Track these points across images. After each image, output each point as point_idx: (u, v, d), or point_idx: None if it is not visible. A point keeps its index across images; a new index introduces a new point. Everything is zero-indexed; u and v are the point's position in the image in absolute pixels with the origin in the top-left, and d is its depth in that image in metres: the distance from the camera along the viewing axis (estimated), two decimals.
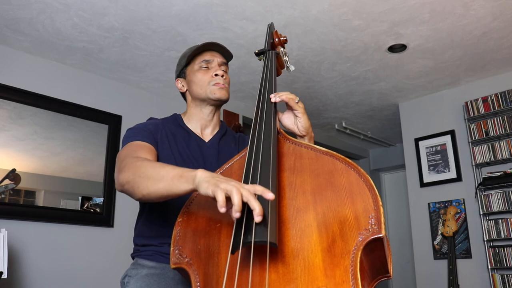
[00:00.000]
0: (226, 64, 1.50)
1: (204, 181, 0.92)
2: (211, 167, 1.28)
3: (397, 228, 5.78)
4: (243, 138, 1.55)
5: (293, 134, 1.32)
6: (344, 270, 0.85)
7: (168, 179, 1.01)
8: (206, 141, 1.45)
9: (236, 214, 0.86)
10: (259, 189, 0.87)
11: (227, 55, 1.52)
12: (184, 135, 1.43)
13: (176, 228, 1.07)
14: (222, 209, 0.86)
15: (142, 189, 1.07)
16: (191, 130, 1.45)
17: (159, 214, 1.33)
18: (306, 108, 4.40)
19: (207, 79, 1.43)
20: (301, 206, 0.97)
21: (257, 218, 0.84)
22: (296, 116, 1.30)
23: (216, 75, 1.43)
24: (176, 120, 1.48)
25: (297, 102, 1.29)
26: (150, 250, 1.32)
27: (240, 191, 0.86)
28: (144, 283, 1.25)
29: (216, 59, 1.47)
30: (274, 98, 1.27)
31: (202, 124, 1.47)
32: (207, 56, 1.46)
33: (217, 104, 1.46)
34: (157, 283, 1.24)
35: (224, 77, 1.44)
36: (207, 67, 1.45)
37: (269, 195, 0.86)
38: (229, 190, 0.86)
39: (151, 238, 1.33)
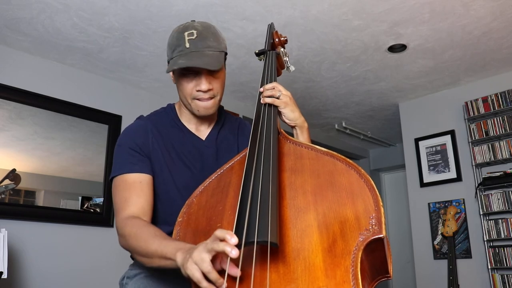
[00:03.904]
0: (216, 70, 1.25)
1: (180, 266, 0.91)
2: (210, 169, 1.26)
3: (397, 228, 5.78)
4: (243, 125, 1.45)
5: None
6: (344, 270, 0.85)
7: (156, 259, 1.01)
8: (203, 138, 1.35)
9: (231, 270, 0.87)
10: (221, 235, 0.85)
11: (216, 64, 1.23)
12: (179, 135, 1.33)
13: (176, 228, 1.07)
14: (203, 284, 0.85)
15: (143, 263, 1.10)
16: (186, 128, 1.35)
17: (157, 217, 1.32)
18: (306, 108, 4.37)
19: (189, 91, 1.25)
20: (302, 206, 0.97)
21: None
22: (279, 110, 1.28)
23: (199, 90, 1.24)
24: (169, 116, 1.37)
25: (279, 97, 1.27)
26: None
27: (203, 263, 0.84)
28: (142, 285, 1.25)
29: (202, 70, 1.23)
30: (262, 100, 1.26)
31: (196, 122, 1.36)
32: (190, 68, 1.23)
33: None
34: (156, 285, 1.24)
35: (211, 90, 1.25)
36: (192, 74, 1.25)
37: (232, 241, 0.84)
38: (196, 268, 0.85)
39: None
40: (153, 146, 1.29)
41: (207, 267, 0.83)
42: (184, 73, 1.25)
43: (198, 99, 1.26)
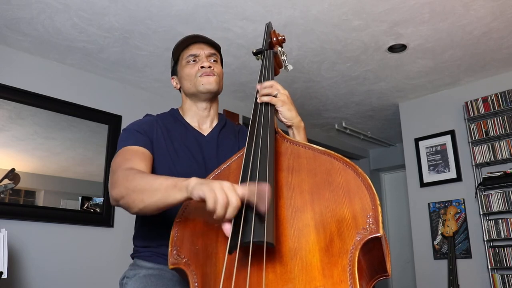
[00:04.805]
0: (215, 54, 1.46)
1: (197, 185, 0.94)
2: (211, 163, 1.30)
3: (397, 228, 5.78)
4: (244, 131, 1.51)
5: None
6: (342, 269, 0.85)
7: (162, 190, 1.02)
8: (205, 134, 1.42)
9: (224, 225, 0.90)
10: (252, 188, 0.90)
11: (215, 45, 1.48)
12: (182, 130, 1.41)
13: (174, 229, 1.07)
14: (219, 210, 0.88)
15: (138, 203, 1.08)
16: (189, 124, 1.43)
17: (157, 216, 1.32)
18: (306, 108, 4.36)
19: (194, 72, 1.40)
20: (299, 205, 0.97)
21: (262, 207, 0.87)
22: (276, 109, 1.29)
23: (202, 67, 1.40)
24: (173, 115, 1.46)
25: (276, 95, 1.27)
26: (148, 251, 1.32)
27: (225, 193, 0.88)
28: (141, 284, 1.24)
29: (203, 51, 1.43)
30: (259, 99, 1.27)
31: (199, 119, 1.45)
32: (193, 49, 1.43)
33: (209, 97, 1.43)
34: (155, 284, 1.23)
35: (212, 68, 1.41)
36: (195, 61, 1.42)
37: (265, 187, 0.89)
38: (217, 191, 0.88)
39: (150, 239, 1.33)
40: (157, 134, 1.36)
41: (234, 196, 0.89)
42: (188, 61, 1.42)
43: (201, 76, 1.39)
